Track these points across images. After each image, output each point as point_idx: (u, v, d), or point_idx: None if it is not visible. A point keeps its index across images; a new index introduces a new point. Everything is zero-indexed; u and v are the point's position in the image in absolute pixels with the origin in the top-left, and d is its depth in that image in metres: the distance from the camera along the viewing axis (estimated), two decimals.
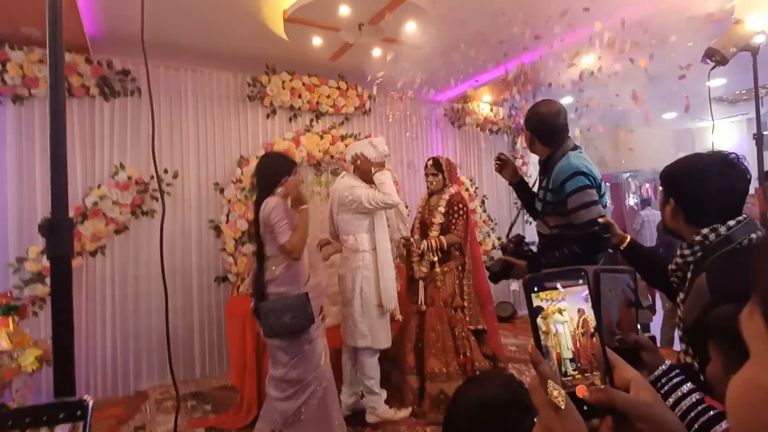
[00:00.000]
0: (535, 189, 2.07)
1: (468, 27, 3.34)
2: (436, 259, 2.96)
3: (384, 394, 2.81)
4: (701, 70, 2.43)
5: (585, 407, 0.46)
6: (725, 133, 6.85)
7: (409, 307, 3.05)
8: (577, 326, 0.48)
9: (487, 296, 3.23)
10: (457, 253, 3.05)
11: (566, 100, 5.39)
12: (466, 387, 0.97)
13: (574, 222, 1.76)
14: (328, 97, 4.05)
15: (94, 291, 3.29)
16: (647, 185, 8.36)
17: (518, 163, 5.39)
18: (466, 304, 3.04)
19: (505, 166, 2.23)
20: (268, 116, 3.93)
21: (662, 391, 0.80)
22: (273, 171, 2.25)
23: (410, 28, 3.16)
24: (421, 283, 3.02)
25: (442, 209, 2.94)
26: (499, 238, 5.18)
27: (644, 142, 7.49)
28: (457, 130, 5.06)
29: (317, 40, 3.30)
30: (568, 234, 1.80)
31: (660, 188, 1.31)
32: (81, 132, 3.27)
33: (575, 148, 1.89)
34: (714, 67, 2.31)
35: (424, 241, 2.95)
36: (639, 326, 0.86)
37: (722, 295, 0.95)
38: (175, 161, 3.58)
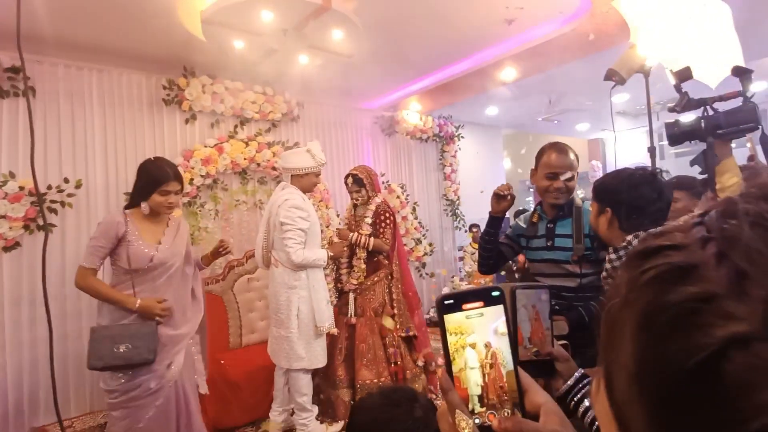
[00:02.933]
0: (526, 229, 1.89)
1: (395, 38, 3.37)
2: (363, 259, 2.93)
3: (315, 409, 2.73)
4: (606, 87, 2.63)
5: None
6: (631, 143, 7.55)
7: (339, 319, 3.00)
8: (486, 358, 0.47)
9: (415, 301, 3.27)
10: (386, 261, 3.06)
11: (492, 110, 5.66)
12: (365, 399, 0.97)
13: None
14: (254, 102, 3.89)
15: None
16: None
17: (447, 170, 5.56)
18: (396, 311, 3.06)
19: (504, 200, 2.01)
20: (186, 121, 3.69)
21: (575, 399, 0.83)
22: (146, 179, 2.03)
23: (336, 35, 3.13)
24: (351, 295, 2.99)
25: (369, 219, 2.93)
26: (431, 244, 5.27)
27: None
28: (387, 137, 5.09)
29: (239, 44, 3.16)
30: (597, 283, 1.66)
31: (592, 201, 1.39)
32: None
33: None
34: (614, 86, 2.52)
35: (353, 233, 2.92)
36: (554, 338, 0.88)
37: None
38: (79, 169, 3.24)
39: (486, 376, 0.46)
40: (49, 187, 3.07)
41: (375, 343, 2.92)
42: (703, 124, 1.67)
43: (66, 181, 3.14)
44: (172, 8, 2.73)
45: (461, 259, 5.48)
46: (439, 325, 0.47)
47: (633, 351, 0.23)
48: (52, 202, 3.07)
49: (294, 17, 2.85)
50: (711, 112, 1.69)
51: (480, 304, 0.47)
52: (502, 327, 0.47)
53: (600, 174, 7.81)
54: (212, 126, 3.81)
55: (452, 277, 5.33)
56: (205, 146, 3.66)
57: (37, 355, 3.02)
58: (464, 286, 4.96)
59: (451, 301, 0.47)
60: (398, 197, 4.93)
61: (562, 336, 1.32)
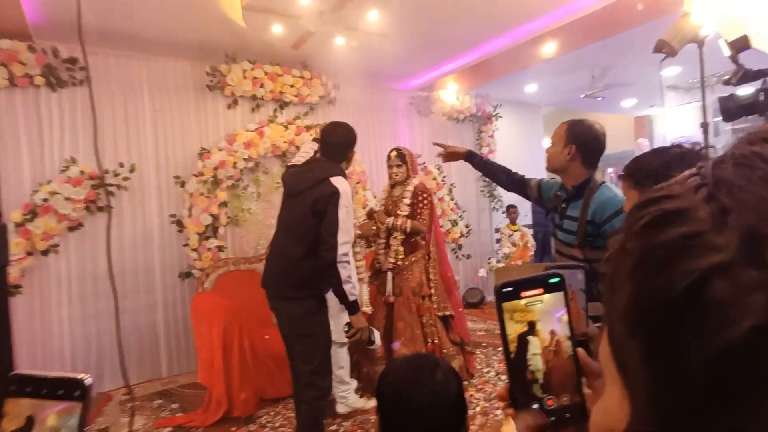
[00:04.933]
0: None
1: (432, 15, 3.32)
2: (401, 240, 2.97)
3: (354, 383, 2.84)
4: (656, 59, 2.49)
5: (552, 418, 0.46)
6: (681, 120, 7.13)
7: (377, 299, 3.08)
8: (550, 345, 0.47)
9: (452, 283, 3.29)
10: (423, 242, 3.09)
11: (532, 87, 5.49)
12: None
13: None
14: (292, 86, 3.97)
15: (48, 292, 3.15)
16: (610, 170, 8.66)
17: (485, 150, 5.46)
18: (433, 291, 3.09)
19: (450, 155, 2.13)
20: (229, 106, 3.81)
21: None
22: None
23: (372, 16, 3.12)
24: (389, 275, 3.04)
25: (407, 200, 2.95)
26: (467, 226, 5.25)
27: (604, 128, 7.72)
28: (423, 118, 5.06)
29: (277, 28, 3.22)
30: (602, 270, 1.65)
31: (629, 188, 1.31)
32: (27, 125, 3.09)
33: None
34: (665, 58, 2.39)
35: (390, 218, 2.96)
36: (590, 318, 0.89)
37: None
38: (132, 154, 3.44)
39: (548, 362, 0.47)
40: (106, 172, 3.28)
41: (412, 322, 2.97)
42: (761, 97, 1.57)
43: (121, 165, 3.34)
44: None
45: (498, 240, 5.42)
46: (498, 312, 0.47)
47: (628, 292, 0.24)
48: (110, 185, 3.29)
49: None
50: None
51: (539, 291, 0.47)
52: (566, 316, 0.47)
53: None
54: (253, 110, 3.92)
55: (489, 258, 5.30)
56: (247, 130, 3.78)
57: (102, 326, 3.29)
58: (500, 267, 4.93)
59: (510, 289, 0.46)
60: (435, 179, 4.92)
61: (598, 316, 1.30)
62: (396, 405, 0.92)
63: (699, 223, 0.22)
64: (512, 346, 0.46)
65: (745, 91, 1.71)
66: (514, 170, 2.19)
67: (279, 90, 3.91)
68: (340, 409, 2.77)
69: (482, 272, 5.12)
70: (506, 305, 0.46)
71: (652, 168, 1.21)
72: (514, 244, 5.04)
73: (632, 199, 1.27)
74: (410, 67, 4.39)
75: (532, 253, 5.14)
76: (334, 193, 1.90)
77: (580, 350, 0.48)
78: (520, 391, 0.47)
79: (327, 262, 1.86)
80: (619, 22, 3.36)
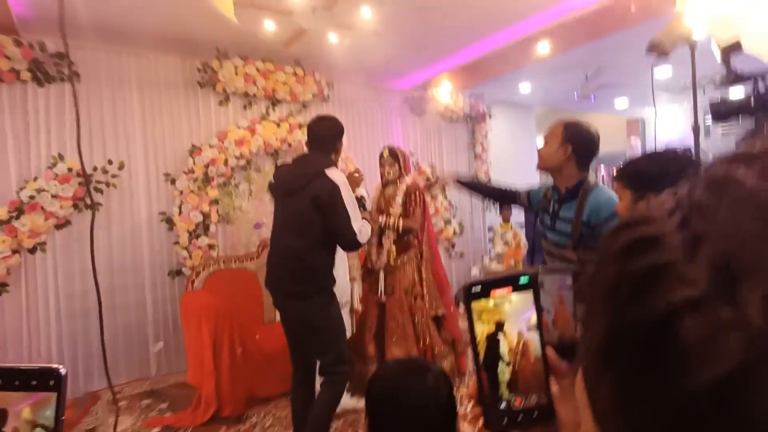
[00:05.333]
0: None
1: (426, 14, 3.30)
2: (393, 239, 2.96)
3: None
4: (649, 60, 2.50)
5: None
6: (672, 120, 7.18)
7: (369, 298, 3.06)
8: (517, 346, 0.47)
9: (444, 282, 3.29)
10: (415, 241, 3.08)
11: (525, 88, 5.50)
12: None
13: None
14: (285, 83, 3.93)
15: (35, 290, 3.10)
16: (602, 168, 8.73)
17: (477, 150, 5.47)
18: (425, 291, 3.09)
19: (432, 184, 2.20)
20: (220, 103, 3.77)
21: None
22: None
23: (366, 13, 3.10)
24: (381, 274, 3.03)
25: (399, 199, 2.94)
26: (460, 224, 5.25)
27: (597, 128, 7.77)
28: (417, 117, 5.05)
29: (270, 25, 3.18)
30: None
31: (622, 189, 1.32)
32: (13, 120, 3.03)
33: None
34: (656, 59, 2.40)
35: (382, 216, 2.95)
36: (578, 322, 0.88)
37: None
38: (121, 151, 3.39)
39: (516, 363, 0.46)
40: (95, 169, 3.24)
41: (405, 321, 2.97)
42: (752, 100, 1.57)
43: (110, 162, 3.30)
44: None
45: (491, 239, 5.43)
46: (466, 312, 0.46)
47: (602, 324, 0.23)
48: (98, 182, 3.24)
49: None
50: (763, 88, 1.59)
51: (508, 290, 0.46)
52: (534, 316, 0.47)
53: (638, 153, 7.49)
54: (245, 108, 3.88)
55: (482, 257, 5.31)
56: (239, 128, 3.74)
57: (90, 325, 3.24)
58: (494, 266, 4.93)
59: (479, 289, 0.46)
60: (428, 178, 4.90)
61: None
62: (386, 409, 0.91)
63: (671, 252, 0.21)
64: (480, 346, 0.46)
65: (736, 93, 1.72)
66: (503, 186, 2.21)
67: (271, 87, 3.88)
68: None
69: (475, 271, 5.13)
70: (475, 305, 0.46)
71: (646, 171, 1.24)
72: (506, 243, 5.05)
73: (625, 199, 1.28)
74: (404, 65, 4.37)
75: (525, 252, 5.15)
76: (334, 188, 1.93)
77: (549, 350, 0.48)
78: (488, 391, 0.47)
79: (354, 249, 2.14)
80: (613, 23, 3.37)
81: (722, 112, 1.67)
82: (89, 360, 3.26)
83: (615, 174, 1.31)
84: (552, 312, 0.82)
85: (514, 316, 0.46)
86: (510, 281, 0.47)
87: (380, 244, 3.04)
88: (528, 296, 0.47)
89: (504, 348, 0.46)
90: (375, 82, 4.67)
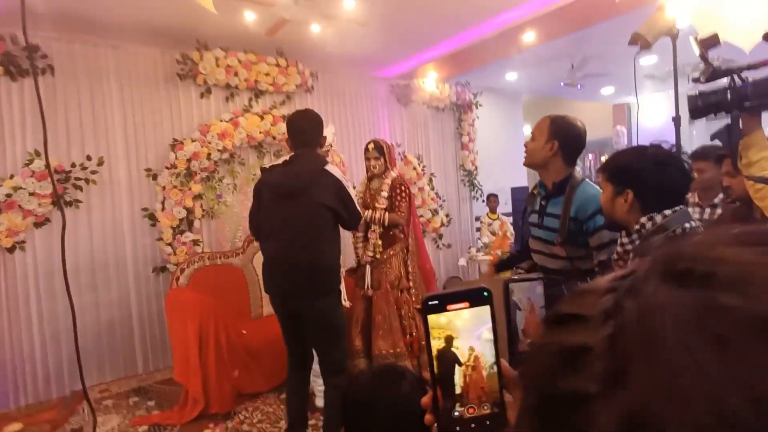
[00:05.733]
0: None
1: (410, 3, 3.25)
2: (379, 233, 2.95)
3: None
4: (633, 50, 2.50)
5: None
6: (659, 107, 7.23)
7: (355, 292, 3.07)
8: (468, 360, 0.48)
9: (430, 275, 3.31)
10: (401, 235, 3.08)
11: (512, 76, 5.48)
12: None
13: (595, 259, 1.61)
14: (267, 74, 3.86)
15: (15, 289, 3.04)
16: (590, 156, 8.79)
17: (464, 140, 5.45)
18: (411, 284, 3.10)
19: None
20: (202, 96, 3.70)
21: None
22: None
23: (348, 4, 3.04)
24: (367, 268, 3.03)
25: (384, 193, 2.93)
26: (447, 215, 5.27)
27: (583, 116, 7.79)
28: (403, 107, 5.01)
29: (250, 15, 3.11)
30: (584, 267, 1.63)
31: (604, 181, 1.33)
32: None
33: None
34: (639, 50, 2.40)
35: (368, 211, 2.94)
36: None
37: None
38: (101, 147, 3.31)
39: (467, 377, 0.48)
40: (73, 165, 3.16)
41: (391, 315, 2.98)
42: (729, 96, 1.57)
43: (89, 158, 3.22)
44: None
45: (478, 229, 5.46)
46: (423, 324, 0.47)
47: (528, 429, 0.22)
48: (77, 179, 3.17)
49: None
50: (739, 83, 1.59)
51: (465, 305, 0.47)
52: (487, 332, 0.48)
53: (624, 140, 7.53)
54: (227, 100, 3.81)
55: (469, 248, 5.34)
56: (221, 120, 3.68)
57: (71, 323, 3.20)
58: (481, 256, 4.96)
59: (435, 302, 0.47)
60: (414, 168, 4.90)
61: None
62: (361, 418, 0.91)
63: (590, 382, 0.19)
64: (435, 358, 0.48)
65: (713, 88, 1.72)
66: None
67: (254, 78, 3.81)
68: (319, 403, 2.77)
69: (462, 261, 5.16)
70: (431, 318, 0.47)
71: (626, 166, 1.27)
72: (493, 233, 5.07)
73: (606, 191, 1.30)
74: (389, 55, 4.31)
75: (512, 241, 5.19)
76: (338, 185, 1.98)
77: (503, 362, 0.49)
78: (441, 400, 0.48)
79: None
80: (597, 13, 3.36)
81: (699, 107, 1.67)
82: (73, 358, 3.22)
83: (599, 166, 1.32)
84: (523, 320, 0.82)
85: (466, 330, 0.48)
86: (467, 296, 0.48)
87: (366, 239, 3.04)
88: (485, 311, 0.48)
89: (456, 362, 0.48)
90: (360, 72, 4.61)
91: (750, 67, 1.59)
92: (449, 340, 0.47)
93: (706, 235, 0.21)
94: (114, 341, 3.39)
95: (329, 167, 2.00)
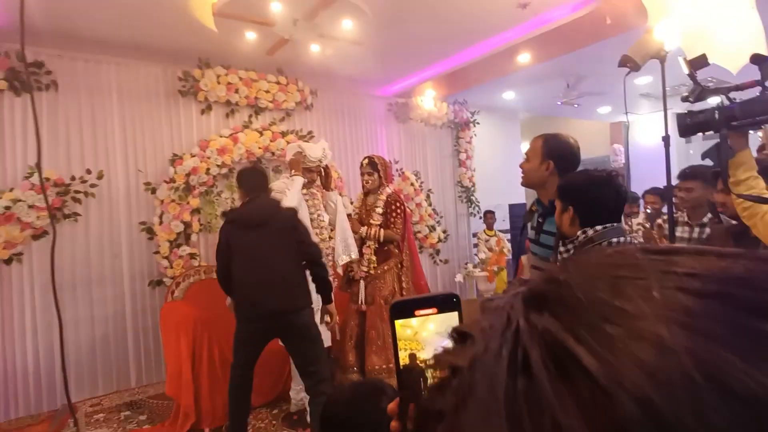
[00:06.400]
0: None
1: (407, 25, 3.33)
2: (373, 249, 2.97)
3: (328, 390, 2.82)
4: (625, 71, 2.55)
5: None
6: (655, 126, 7.31)
7: (350, 307, 3.07)
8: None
9: (425, 291, 3.31)
10: (396, 251, 3.10)
11: (509, 95, 5.56)
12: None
13: None
14: (267, 92, 3.93)
15: (10, 301, 3.05)
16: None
17: (462, 157, 5.51)
18: None
19: None
20: (202, 112, 3.76)
21: None
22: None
23: (347, 25, 3.12)
24: (361, 283, 3.05)
25: (379, 210, 2.96)
26: (444, 231, 5.29)
27: (580, 134, 7.87)
28: (401, 124, 5.08)
29: (251, 35, 3.19)
30: None
31: (557, 199, 1.41)
32: None
33: None
34: (629, 72, 2.45)
35: (364, 227, 2.97)
36: None
37: None
38: (100, 161, 3.36)
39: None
40: (73, 178, 3.21)
41: (384, 330, 2.98)
42: (716, 115, 1.60)
43: (88, 172, 3.27)
44: (185, 0, 2.76)
45: (475, 245, 5.47)
46: (391, 330, 0.46)
47: None
48: (76, 192, 3.21)
49: (304, 7, 2.86)
50: (727, 103, 1.62)
51: (433, 310, 0.46)
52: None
53: (621, 158, 7.59)
54: (227, 116, 3.87)
55: (465, 263, 5.34)
56: (221, 136, 3.73)
57: (67, 336, 3.19)
58: (477, 273, 4.96)
59: (403, 307, 0.45)
60: (412, 184, 4.94)
61: None
62: None
63: (446, 402, 0.20)
64: (401, 363, 0.46)
65: (702, 108, 1.75)
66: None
67: (254, 95, 3.88)
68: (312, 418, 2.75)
69: (459, 277, 5.15)
70: (398, 324, 0.46)
71: (570, 186, 1.40)
72: (490, 249, 5.09)
73: (558, 207, 1.42)
74: (388, 73, 4.40)
75: (509, 257, 5.20)
76: (294, 214, 2.29)
77: None
78: (407, 406, 0.48)
79: (318, 257, 2.27)
80: (590, 35, 3.43)
81: (688, 125, 1.70)
82: (67, 372, 3.21)
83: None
84: None
85: (432, 341, 0.46)
86: (436, 302, 0.46)
87: (361, 254, 3.06)
88: (453, 317, 0.46)
89: (422, 376, 0.45)
90: (359, 90, 4.69)
91: (738, 88, 1.62)
92: (413, 357, 0.46)
93: (571, 261, 0.22)
94: (108, 355, 3.38)
95: (283, 205, 2.33)
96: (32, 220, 3.01)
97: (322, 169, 2.85)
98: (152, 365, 3.52)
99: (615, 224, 1.28)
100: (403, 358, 0.47)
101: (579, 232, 1.29)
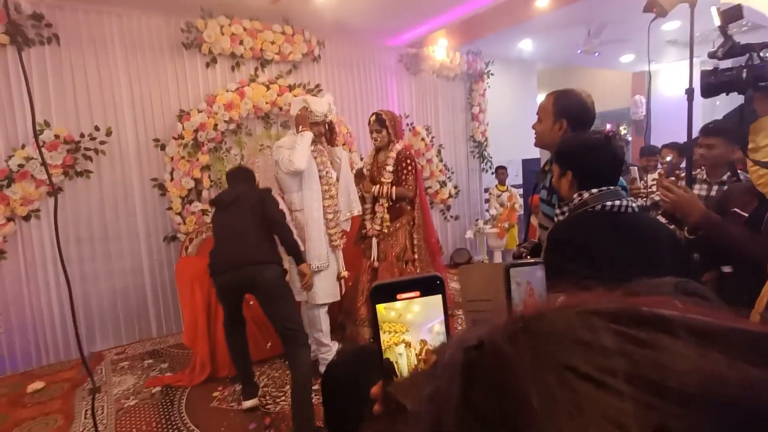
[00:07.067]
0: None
1: None
2: (386, 207, 2.97)
3: (335, 345, 2.92)
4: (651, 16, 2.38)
5: None
6: (679, 76, 6.94)
7: (363, 262, 3.11)
8: (420, 354, 0.45)
9: (436, 248, 3.32)
10: (408, 207, 3.08)
11: (526, 44, 5.29)
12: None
13: None
14: (273, 43, 3.80)
15: (32, 256, 3.16)
16: (608, 125, 8.56)
17: (475, 110, 5.34)
18: (416, 256, 3.12)
19: None
20: (207, 65, 3.67)
21: None
22: None
23: None
24: (374, 240, 3.06)
25: (390, 167, 2.91)
26: (456, 187, 5.24)
27: (601, 85, 7.53)
28: (412, 76, 4.90)
29: None
30: None
31: (554, 163, 1.37)
32: None
33: None
34: (655, 18, 2.29)
35: (376, 186, 2.95)
36: None
37: (552, 242, 1.22)
38: (109, 117, 3.34)
39: (417, 367, 0.46)
40: (82, 135, 3.20)
41: None
42: (744, 74, 1.48)
43: (97, 129, 3.26)
44: None
45: (487, 200, 5.43)
46: (372, 314, 0.44)
47: None
48: (86, 149, 3.22)
49: None
50: (757, 61, 1.48)
51: (416, 293, 0.44)
52: (439, 326, 0.45)
53: (643, 110, 7.29)
54: (233, 69, 3.78)
55: (476, 219, 5.32)
56: (227, 91, 3.66)
57: (88, 288, 3.34)
58: (488, 229, 4.95)
59: (385, 291, 0.43)
60: (423, 140, 4.84)
61: None
62: (341, 398, 0.90)
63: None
64: (384, 347, 0.45)
65: (729, 65, 1.62)
66: None
67: (259, 47, 3.75)
68: (323, 369, 2.86)
69: (469, 234, 5.16)
70: (380, 308, 0.44)
71: (566, 150, 1.37)
72: (502, 205, 5.04)
73: (555, 172, 1.39)
74: (398, 22, 4.19)
75: (520, 213, 5.16)
76: (267, 192, 2.46)
77: None
78: (389, 390, 0.46)
79: (280, 219, 2.37)
80: None
81: (713, 84, 1.58)
82: (90, 322, 3.38)
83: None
84: (520, 304, 0.83)
85: (418, 323, 0.45)
86: (419, 284, 0.45)
87: (374, 212, 3.05)
88: (437, 300, 0.45)
89: (405, 352, 0.46)
90: (368, 40, 4.50)
91: None
92: (403, 329, 0.45)
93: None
94: (129, 307, 3.52)
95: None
96: (46, 177, 3.05)
97: (326, 125, 2.78)
98: (171, 317, 3.67)
99: (611, 188, 1.27)
100: (386, 341, 0.45)
101: (575, 195, 1.29)
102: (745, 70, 1.45)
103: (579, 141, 1.37)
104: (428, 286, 0.45)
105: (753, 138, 1.40)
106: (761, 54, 1.47)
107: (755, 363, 0.14)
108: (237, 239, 2.30)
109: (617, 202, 1.24)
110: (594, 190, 1.26)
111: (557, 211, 1.37)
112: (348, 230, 3.01)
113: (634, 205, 1.27)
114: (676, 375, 0.14)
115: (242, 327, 2.49)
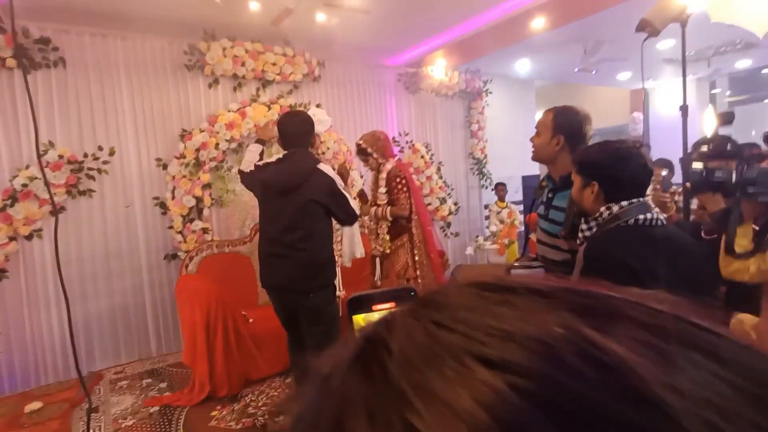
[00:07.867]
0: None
1: None
2: (386, 228, 2.99)
3: None
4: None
5: None
6: (676, 94, 7.02)
7: (369, 281, 3.12)
8: None
9: (438, 264, 3.31)
10: (408, 225, 3.09)
11: (524, 63, 5.37)
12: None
13: None
14: (274, 64, 3.87)
15: (34, 275, 3.17)
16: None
17: (474, 128, 5.40)
18: (418, 273, 3.12)
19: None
20: (210, 86, 3.74)
21: None
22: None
23: None
24: (377, 260, 3.07)
25: (382, 189, 2.94)
26: (455, 204, 5.26)
27: (600, 102, 7.62)
28: (411, 95, 4.97)
29: (255, 5, 3.11)
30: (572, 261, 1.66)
31: (575, 174, 1.36)
32: (2, 109, 3.03)
33: None
34: (647, 38, 2.34)
35: (373, 207, 2.98)
36: None
37: (589, 260, 1.15)
38: (111, 137, 3.39)
39: None
40: (85, 155, 3.25)
41: None
42: (734, 177, 1.49)
43: (100, 149, 3.31)
44: None
45: (487, 218, 5.44)
46: (350, 324, 0.46)
47: None
48: (90, 169, 3.26)
49: None
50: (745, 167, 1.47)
51: (391, 305, 0.45)
52: None
53: (641, 127, 7.34)
54: (235, 90, 3.84)
55: (476, 236, 5.33)
56: (229, 111, 3.72)
57: (88, 307, 3.34)
58: (488, 245, 4.95)
59: (360, 302, 0.45)
60: (422, 157, 4.88)
61: None
62: None
63: None
64: None
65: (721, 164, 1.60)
66: None
67: (261, 68, 3.83)
68: None
69: (469, 250, 5.15)
70: (357, 319, 0.46)
71: (591, 160, 1.33)
72: (501, 221, 5.05)
73: (576, 183, 1.37)
74: (397, 42, 4.28)
75: (520, 229, 5.16)
76: (331, 183, 2.06)
77: None
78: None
79: (354, 222, 2.24)
80: None
81: (702, 183, 1.57)
82: (90, 342, 3.37)
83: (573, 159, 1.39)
84: None
85: None
86: (393, 296, 0.47)
87: (377, 233, 3.08)
88: None
89: None
90: (367, 60, 4.59)
91: (761, 157, 1.48)
92: None
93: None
94: (129, 325, 3.52)
95: (321, 166, 2.08)
96: (48, 196, 3.08)
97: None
98: (171, 335, 3.66)
99: (641, 199, 1.22)
100: None
101: (603, 209, 1.24)
102: (734, 174, 1.46)
103: (607, 151, 1.30)
104: (402, 298, 0.47)
105: (739, 242, 1.41)
106: (749, 160, 1.45)
107: (567, 309, 0.18)
108: (287, 252, 2.09)
109: (649, 215, 1.21)
110: (624, 203, 1.22)
111: (583, 226, 1.33)
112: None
113: (662, 217, 1.24)
114: (506, 320, 0.18)
115: (298, 338, 2.29)
